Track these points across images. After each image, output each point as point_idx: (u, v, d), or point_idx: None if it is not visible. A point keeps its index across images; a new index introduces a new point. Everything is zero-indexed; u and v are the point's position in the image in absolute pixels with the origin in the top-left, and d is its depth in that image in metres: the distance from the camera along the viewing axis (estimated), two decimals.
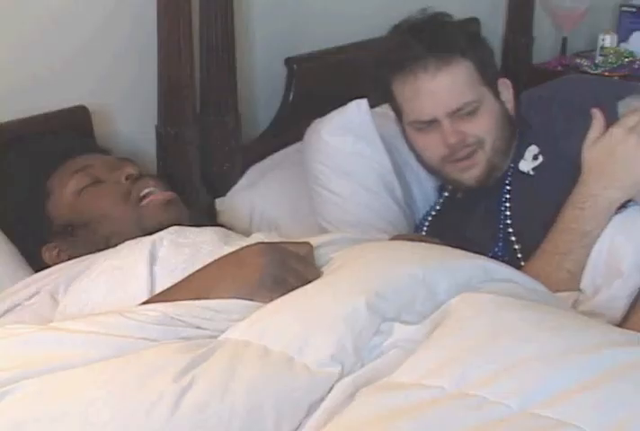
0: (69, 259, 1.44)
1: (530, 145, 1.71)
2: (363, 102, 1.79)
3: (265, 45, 2.02)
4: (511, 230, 1.67)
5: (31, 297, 1.36)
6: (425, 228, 1.79)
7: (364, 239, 1.42)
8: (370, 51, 1.92)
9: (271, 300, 1.14)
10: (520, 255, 1.64)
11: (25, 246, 1.52)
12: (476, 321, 1.09)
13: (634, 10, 2.81)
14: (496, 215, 1.70)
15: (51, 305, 1.32)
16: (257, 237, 1.41)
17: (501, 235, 1.69)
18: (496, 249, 1.68)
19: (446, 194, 1.82)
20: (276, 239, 1.37)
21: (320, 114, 1.82)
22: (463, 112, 1.65)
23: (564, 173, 1.63)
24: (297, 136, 1.91)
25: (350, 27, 2.12)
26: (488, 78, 1.70)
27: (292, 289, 1.15)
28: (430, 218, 1.81)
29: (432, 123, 1.66)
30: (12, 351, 1.06)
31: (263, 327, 1.08)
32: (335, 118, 1.79)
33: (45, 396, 0.98)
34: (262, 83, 2.05)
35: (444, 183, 1.81)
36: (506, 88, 1.74)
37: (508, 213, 1.69)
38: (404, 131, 1.76)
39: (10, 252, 1.51)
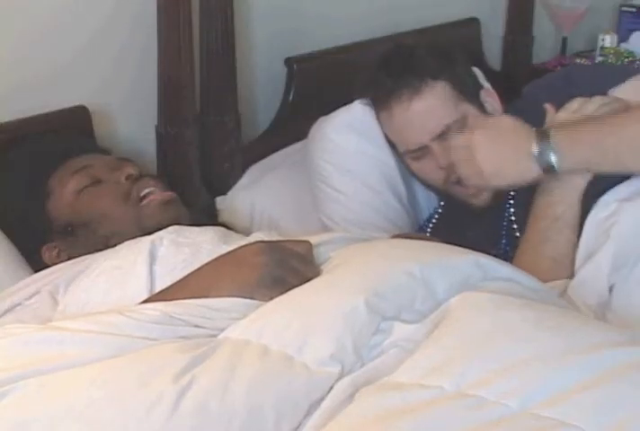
0: (69, 259, 1.44)
1: None
2: (368, 102, 1.80)
3: (265, 45, 2.02)
4: (515, 226, 1.67)
5: (30, 297, 1.36)
6: (429, 230, 1.79)
7: (364, 238, 1.42)
8: (371, 51, 1.92)
9: (271, 299, 1.13)
10: None
11: (25, 246, 1.52)
12: (476, 320, 1.09)
13: (634, 10, 2.81)
14: (500, 212, 1.70)
15: (51, 305, 1.32)
16: (257, 236, 1.41)
17: (504, 233, 1.69)
18: (502, 243, 1.68)
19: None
20: (275, 238, 1.37)
21: (320, 114, 1.82)
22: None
23: None
24: (297, 136, 1.91)
25: (350, 27, 2.12)
26: (469, 93, 1.70)
27: (292, 288, 1.15)
28: (434, 220, 1.81)
29: (423, 149, 1.68)
30: (11, 351, 1.06)
31: (263, 326, 1.08)
32: (341, 116, 1.80)
33: (45, 396, 0.98)
34: (262, 83, 2.05)
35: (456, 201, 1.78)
36: (490, 97, 1.75)
37: (512, 210, 1.69)
38: (403, 161, 1.77)
39: (10, 252, 1.51)
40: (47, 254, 1.50)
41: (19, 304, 1.35)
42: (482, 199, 1.68)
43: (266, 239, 1.32)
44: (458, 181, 1.62)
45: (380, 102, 1.72)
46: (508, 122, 1.50)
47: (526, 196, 1.65)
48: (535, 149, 1.43)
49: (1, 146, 1.57)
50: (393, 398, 0.98)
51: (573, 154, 1.43)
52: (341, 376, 1.02)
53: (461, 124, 1.65)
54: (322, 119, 1.81)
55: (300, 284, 1.16)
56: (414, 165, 1.74)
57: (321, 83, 2.00)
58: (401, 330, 1.09)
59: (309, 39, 2.05)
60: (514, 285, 1.23)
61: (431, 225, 1.80)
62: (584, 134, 1.44)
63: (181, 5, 1.69)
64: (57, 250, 1.50)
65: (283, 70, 1.99)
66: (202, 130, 1.84)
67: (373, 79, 1.74)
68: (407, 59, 1.70)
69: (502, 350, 1.03)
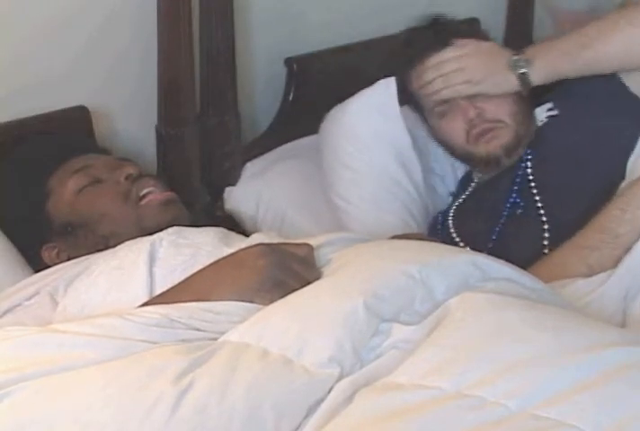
0: (69, 260, 1.44)
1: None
2: (391, 81, 1.81)
3: (265, 45, 2.02)
4: (531, 177, 1.70)
5: (30, 297, 1.36)
6: (450, 217, 1.80)
7: (363, 238, 1.42)
8: (371, 51, 1.92)
9: (271, 302, 1.13)
10: (540, 204, 1.67)
11: (25, 246, 1.52)
12: (476, 321, 1.09)
13: None
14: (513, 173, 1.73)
15: (51, 306, 1.32)
16: (257, 238, 1.41)
17: (516, 188, 1.70)
18: (512, 198, 1.70)
19: (472, 184, 1.84)
20: (275, 239, 1.37)
21: (320, 114, 1.83)
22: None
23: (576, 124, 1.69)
24: (297, 136, 1.92)
25: (350, 27, 2.12)
26: None
27: (292, 291, 1.15)
28: (454, 207, 1.81)
29: (450, 102, 1.73)
30: (10, 353, 1.06)
31: (262, 329, 1.08)
32: (363, 96, 1.81)
33: (44, 398, 0.98)
34: (262, 83, 2.05)
35: (477, 167, 1.81)
36: None
37: (529, 170, 1.71)
38: (430, 128, 1.81)
39: (10, 252, 1.51)
40: (47, 254, 1.50)
41: (18, 305, 1.35)
42: (499, 144, 1.72)
43: (267, 241, 1.31)
44: (478, 137, 1.71)
45: (411, 61, 1.77)
46: (488, 43, 1.78)
47: (540, 155, 1.70)
48: (511, 60, 1.68)
49: (1, 146, 1.57)
50: (392, 398, 0.98)
51: (544, 64, 1.66)
52: (340, 378, 1.02)
53: None
54: (344, 102, 1.82)
55: (301, 287, 1.16)
56: (440, 124, 1.77)
57: (321, 83, 2.00)
58: (400, 332, 1.09)
59: (309, 39, 2.05)
60: (513, 285, 1.23)
61: (451, 213, 1.80)
62: (559, 46, 1.67)
63: (181, 5, 1.69)
64: (57, 250, 1.50)
65: (283, 70, 1.99)
66: (202, 130, 1.84)
67: (405, 40, 1.82)
68: (439, 22, 1.82)
69: (501, 351, 1.03)
